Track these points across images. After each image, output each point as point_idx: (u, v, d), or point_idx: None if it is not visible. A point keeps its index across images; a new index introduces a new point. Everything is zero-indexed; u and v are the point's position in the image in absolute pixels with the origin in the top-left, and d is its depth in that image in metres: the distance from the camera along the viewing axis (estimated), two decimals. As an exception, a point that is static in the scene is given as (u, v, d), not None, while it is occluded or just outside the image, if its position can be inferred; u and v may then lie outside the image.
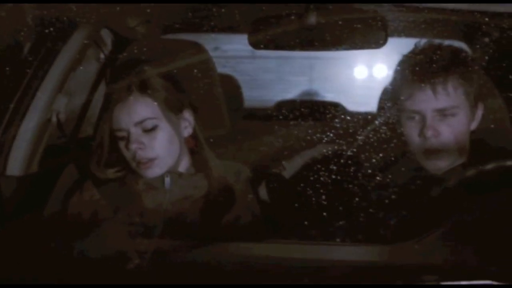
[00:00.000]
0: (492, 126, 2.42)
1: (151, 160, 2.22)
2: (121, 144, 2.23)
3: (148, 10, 2.43)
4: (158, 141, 2.22)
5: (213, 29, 2.79)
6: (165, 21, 2.83)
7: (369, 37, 2.21)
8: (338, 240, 1.85)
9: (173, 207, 2.23)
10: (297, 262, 1.75)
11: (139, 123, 2.20)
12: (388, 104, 2.39)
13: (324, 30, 2.15)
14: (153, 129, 2.22)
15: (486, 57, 2.55)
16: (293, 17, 2.15)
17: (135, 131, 2.20)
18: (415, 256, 1.68)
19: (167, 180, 2.26)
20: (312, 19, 2.07)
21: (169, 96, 2.26)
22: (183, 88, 2.34)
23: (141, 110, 2.21)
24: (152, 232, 2.08)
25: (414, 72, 2.24)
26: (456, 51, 2.30)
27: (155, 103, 2.23)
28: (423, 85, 2.21)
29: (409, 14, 2.18)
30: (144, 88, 2.22)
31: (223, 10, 2.24)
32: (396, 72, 2.34)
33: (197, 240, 1.88)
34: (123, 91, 2.21)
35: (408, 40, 2.43)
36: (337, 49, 2.19)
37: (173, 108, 2.27)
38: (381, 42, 2.21)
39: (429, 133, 2.21)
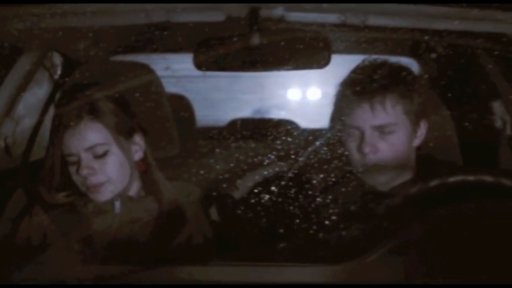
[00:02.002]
0: (440, 141, 2.44)
1: (101, 184, 2.21)
2: (72, 169, 2.22)
3: (92, 34, 2.42)
4: (108, 166, 2.21)
5: (161, 50, 2.78)
6: (113, 42, 2.82)
7: (312, 57, 2.22)
8: (286, 261, 1.85)
9: (122, 231, 2.22)
10: (247, 284, 1.74)
11: (90, 148, 2.19)
12: (334, 121, 2.41)
13: (267, 51, 2.16)
14: (104, 154, 2.20)
15: (433, 73, 2.58)
16: (236, 38, 2.16)
17: (86, 157, 2.19)
18: (362, 275, 1.69)
19: (117, 203, 2.25)
20: (256, 39, 2.08)
21: (119, 121, 2.25)
22: (133, 111, 2.33)
23: (91, 135, 2.20)
24: (100, 257, 2.07)
25: (353, 89, 2.27)
26: (396, 69, 2.32)
27: (106, 129, 2.21)
28: (362, 102, 2.24)
29: (351, 33, 2.20)
30: (94, 113, 2.20)
31: (165, 32, 2.24)
32: (339, 89, 2.37)
33: (148, 263, 1.87)
34: (73, 116, 2.19)
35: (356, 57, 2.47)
36: (280, 70, 2.20)
37: (123, 132, 2.26)
38: (323, 62, 2.22)
39: (366, 149, 2.23)
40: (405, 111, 2.26)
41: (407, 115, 2.27)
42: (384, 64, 2.31)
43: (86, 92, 2.25)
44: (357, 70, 2.31)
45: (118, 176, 2.24)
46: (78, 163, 2.20)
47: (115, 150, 2.22)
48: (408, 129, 2.28)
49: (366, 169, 2.25)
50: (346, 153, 2.31)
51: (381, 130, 2.25)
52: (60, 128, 2.20)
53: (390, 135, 2.25)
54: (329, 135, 2.42)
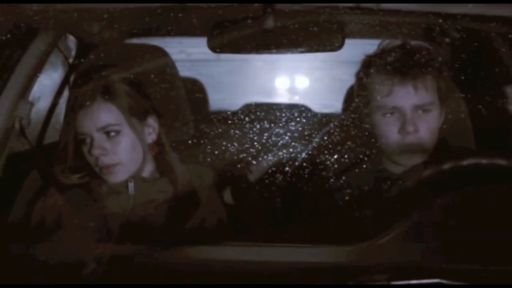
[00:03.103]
0: (453, 125, 2.44)
1: (114, 165, 2.22)
2: (85, 149, 2.23)
3: (106, 16, 2.42)
4: (120, 147, 2.22)
5: (176, 33, 2.79)
6: (128, 26, 2.82)
7: (326, 40, 2.22)
8: (300, 241, 1.86)
9: (136, 212, 2.24)
10: (262, 264, 1.75)
11: (102, 128, 2.20)
12: (357, 104, 2.42)
13: (281, 34, 2.16)
14: (116, 134, 2.22)
15: (446, 57, 2.58)
16: (250, 21, 2.16)
17: (98, 137, 2.20)
18: (371, 257, 1.70)
19: (131, 185, 2.26)
20: (270, 22, 2.08)
21: (133, 103, 2.26)
22: (148, 94, 2.34)
23: (104, 116, 2.21)
24: (115, 237, 2.09)
25: (393, 70, 2.28)
26: (430, 50, 2.36)
27: (118, 110, 2.23)
28: (404, 82, 2.26)
29: (365, 16, 2.20)
30: (108, 94, 2.22)
31: (180, 14, 2.24)
32: (366, 71, 2.37)
33: (161, 244, 1.88)
34: (87, 96, 2.21)
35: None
36: (293, 52, 2.20)
37: (137, 114, 2.27)
38: (337, 45, 2.22)
39: (410, 128, 2.25)
40: (439, 91, 2.31)
41: (439, 95, 2.32)
42: (417, 45, 2.36)
43: (101, 73, 2.26)
44: (391, 52, 2.32)
45: (130, 157, 2.25)
46: (90, 143, 2.21)
47: (127, 131, 2.23)
48: (439, 109, 2.33)
49: (403, 150, 2.26)
50: (365, 136, 2.33)
51: (422, 109, 2.28)
52: (74, 108, 2.22)
53: (428, 114, 2.29)
54: (348, 119, 2.43)
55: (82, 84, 2.26)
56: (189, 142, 2.53)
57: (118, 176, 2.24)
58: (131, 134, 2.24)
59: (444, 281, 1.48)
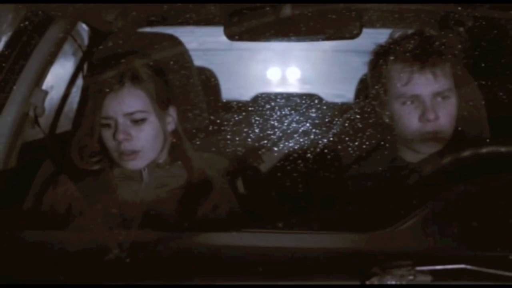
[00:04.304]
0: (468, 114, 2.44)
1: (135, 152, 2.21)
2: (107, 134, 2.22)
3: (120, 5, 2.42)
4: (144, 134, 2.22)
5: (189, 22, 2.78)
6: (142, 14, 2.82)
7: (344, 27, 2.22)
8: (315, 228, 1.86)
9: (150, 197, 2.24)
10: (274, 250, 1.75)
11: (129, 114, 2.20)
12: (373, 93, 2.41)
13: (299, 21, 2.16)
14: (142, 121, 2.21)
15: (462, 45, 2.57)
16: (268, 9, 2.16)
17: (124, 122, 2.20)
18: (392, 243, 1.70)
19: (145, 172, 2.26)
20: (287, 10, 2.07)
21: (159, 90, 2.26)
22: (169, 82, 2.35)
23: (133, 102, 2.21)
24: (130, 223, 2.09)
25: (412, 58, 2.28)
26: (447, 38, 2.35)
27: (147, 96, 2.23)
28: (423, 70, 2.26)
29: (382, 4, 2.20)
30: (136, 79, 2.22)
31: (194, 4, 2.24)
32: (381, 60, 2.37)
33: (174, 230, 1.88)
34: (115, 81, 2.20)
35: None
36: (311, 40, 2.20)
37: (161, 102, 2.27)
38: (355, 32, 2.22)
39: (431, 116, 2.25)
40: (455, 79, 2.32)
41: (456, 83, 2.32)
42: (431, 34, 2.35)
43: (124, 59, 2.26)
44: (408, 40, 2.32)
45: (152, 145, 2.25)
46: (115, 128, 2.20)
47: (152, 119, 2.23)
48: (456, 97, 2.32)
49: (423, 138, 2.26)
50: (380, 125, 2.32)
51: (442, 96, 2.28)
52: (97, 94, 2.21)
53: (447, 101, 2.29)
54: (360, 108, 2.42)
55: (106, 69, 2.25)
56: (203, 130, 2.53)
57: (138, 163, 2.24)
58: (155, 121, 2.24)
59: (469, 267, 1.48)
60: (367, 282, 1.51)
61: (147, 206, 2.21)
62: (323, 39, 2.21)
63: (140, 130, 2.22)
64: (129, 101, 2.21)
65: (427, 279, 1.49)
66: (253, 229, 1.87)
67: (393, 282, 1.47)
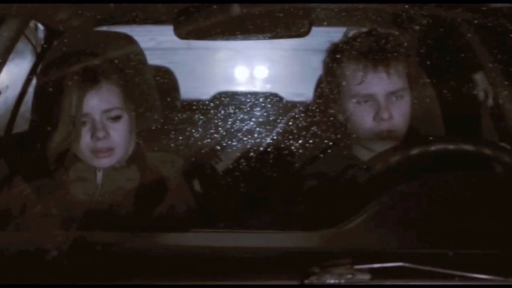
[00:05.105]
0: (422, 112, 2.45)
1: (111, 149, 2.21)
2: (83, 131, 2.20)
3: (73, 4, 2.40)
4: (119, 131, 2.22)
5: (143, 21, 2.77)
6: (92, 12, 2.80)
7: (292, 25, 2.22)
8: (268, 228, 1.86)
9: (104, 199, 2.22)
10: (229, 250, 1.75)
11: (107, 111, 2.20)
12: (327, 91, 2.41)
13: (248, 19, 2.16)
14: (117, 118, 2.22)
15: (414, 44, 2.59)
16: (216, 7, 2.16)
17: (101, 119, 2.19)
18: (337, 242, 1.71)
19: (99, 174, 2.25)
20: (236, 8, 2.07)
21: (128, 87, 2.27)
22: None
23: (110, 98, 2.21)
24: (79, 224, 2.07)
25: (364, 57, 2.29)
26: (398, 36, 2.37)
27: (121, 93, 2.24)
28: (377, 69, 2.27)
29: (331, 2, 2.20)
30: (110, 76, 2.23)
31: (146, 2, 2.23)
32: (334, 59, 2.36)
33: (129, 231, 1.87)
34: (87, 80, 2.19)
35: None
36: (260, 39, 2.20)
37: (130, 101, 2.27)
38: (303, 30, 2.22)
39: (385, 115, 2.26)
40: (408, 77, 2.33)
41: (409, 82, 2.33)
42: (384, 32, 2.37)
43: (85, 57, 2.24)
44: (359, 39, 2.32)
45: (125, 143, 2.25)
46: (92, 125, 2.19)
47: (125, 116, 2.24)
48: (410, 95, 2.33)
49: (377, 137, 2.27)
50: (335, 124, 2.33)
51: (395, 95, 2.29)
52: (74, 91, 2.19)
53: (401, 101, 2.30)
54: (319, 107, 2.43)
55: (64, 67, 2.24)
56: (158, 129, 2.52)
57: (111, 161, 2.24)
58: (128, 119, 2.25)
59: (407, 265, 1.49)
60: (306, 282, 1.51)
61: (101, 207, 2.20)
62: (272, 38, 2.21)
63: (115, 128, 2.21)
64: (107, 98, 2.20)
65: (365, 278, 1.49)
66: (205, 229, 1.88)
67: (332, 281, 1.47)
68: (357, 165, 2.20)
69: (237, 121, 2.55)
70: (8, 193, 2.24)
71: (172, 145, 2.50)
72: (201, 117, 2.77)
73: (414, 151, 1.92)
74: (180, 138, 2.52)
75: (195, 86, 4.32)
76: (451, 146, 1.93)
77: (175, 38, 2.35)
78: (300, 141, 2.41)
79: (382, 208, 1.73)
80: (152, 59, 2.83)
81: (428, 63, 2.53)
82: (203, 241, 1.80)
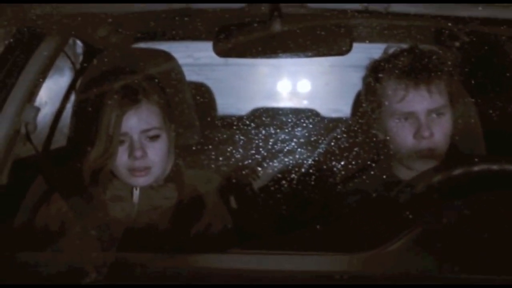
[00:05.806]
0: (463, 130, 2.42)
1: (147, 168, 2.20)
2: (119, 150, 2.19)
3: (111, 21, 2.41)
4: (157, 151, 2.21)
5: (182, 37, 2.77)
6: (134, 29, 2.81)
7: (334, 44, 2.20)
8: (307, 249, 1.84)
9: (141, 219, 2.21)
10: (268, 272, 1.73)
11: (146, 131, 2.19)
12: (367, 109, 2.39)
13: (289, 37, 2.14)
14: (156, 138, 2.21)
15: (456, 61, 2.56)
16: (257, 24, 2.14)
17: (139, 138, 2.19)
18: (384, 264, 1.67)
19: (136, 192, 2.24)
20: (277, 26, 2.06)
21: (168, 107, 2.27)
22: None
23: (150, 118, 2.20)
24: (117, 245, 2.06)
25: (406, 75, 2.27)
26: (440, 54, 2.36)
27: (161, 113, 2.23)
28: (418, 86, 2.25)
29: (373, 20, 2.18)
30: (151, 96, 2.21)
31: (186, 18, 2.22)
32: (375, 76, 2.34)
33: (166, 250, 1.86)
34: (127, 98, 2.18)
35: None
36: (300, 56, 2.18)
37: (169, 119, 2.27)
38: (345, 49, 2.20)
39: (426, 133, 2.23)
40: (450, 95, 2.30)
41: (450, 99, 2.31)
42: (426, 49, 2.34)
43: (125, 75, 2.24)
44: (401, 56, 2.30)
45: (162, 162, 2.24)
46: (131, 145, 2.18)
47: (164, 135, 2.23)
48: (451, 113, 2.31)
49: (418, 155, 2.25)
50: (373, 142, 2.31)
51: (436, 113, 2.27)
52: (115, 110, 2.17)
53: (442, 118, 2.28)
54: (357, 125, 2.41)
55: (103, 85, 2.23)
56: (196, 147, 2.51)
57: (148, 179, 2.22)
58: (166, 139, 2.24)
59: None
60: None
61: (138, 227, 2.19)
62: (312, 56, 2.19)
63: (153, 147, 2.20)
64: (146, 118, 2.20)
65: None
66: (243, 250, 1.86)
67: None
68: (397, 184, 2.17)
69: (275, 138, 2.53)
70: (47, 210, 2.24)
71: (208, 162, 2.48)
72: (237, 133, 2.76)
73: (457, 172, 1.89)
74: (217, 155, 2.51)
75: (232, 102, 4.32)
76: (494, 167, 1.89)
77: (212, 54, 2.34)
78: (339, 159, 2.39)
79: (424, 230, 1.70)
80: (190, 75, 2.81)
81: (471, 81, 2.50)
82: (238, 264, 1.78)
